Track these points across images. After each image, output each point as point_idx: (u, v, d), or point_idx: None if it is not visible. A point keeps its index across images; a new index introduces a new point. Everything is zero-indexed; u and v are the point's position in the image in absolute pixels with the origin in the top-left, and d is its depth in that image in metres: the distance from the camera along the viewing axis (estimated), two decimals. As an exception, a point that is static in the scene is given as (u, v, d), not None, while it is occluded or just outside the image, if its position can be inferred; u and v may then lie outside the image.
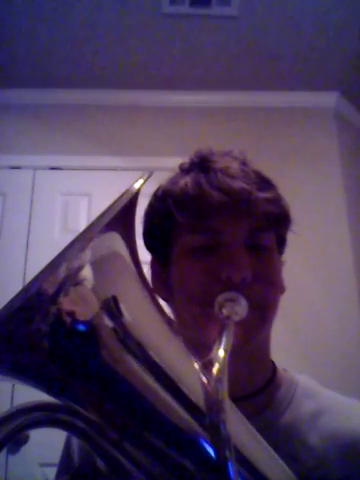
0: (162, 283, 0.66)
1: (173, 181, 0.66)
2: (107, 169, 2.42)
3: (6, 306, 0.35)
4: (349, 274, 2.25)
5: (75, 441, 0.69)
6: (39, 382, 0.40)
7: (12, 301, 0.35)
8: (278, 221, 0.64)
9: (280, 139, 2.50)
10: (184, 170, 0.67)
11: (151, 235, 0.69)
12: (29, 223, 2.29)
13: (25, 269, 2.18)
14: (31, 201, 2.34)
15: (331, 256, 2.26)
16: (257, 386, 0.64)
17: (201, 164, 0.65)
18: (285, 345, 1.91)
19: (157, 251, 0.69)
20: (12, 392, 1.87)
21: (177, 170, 0.69)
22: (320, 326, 2.12)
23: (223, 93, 2.56)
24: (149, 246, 0.70)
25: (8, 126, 2.49)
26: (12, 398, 1.85)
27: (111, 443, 0.42)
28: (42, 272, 0.36)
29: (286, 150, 2.47)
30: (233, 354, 0.43)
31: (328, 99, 2.58)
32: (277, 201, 0.64)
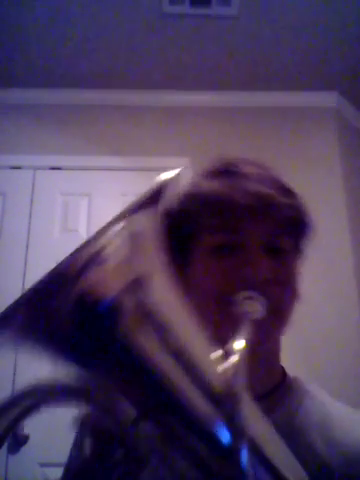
0: (180, 282, 0.67)
1: (197, 184, 0.68)
2: (107, 169, 2.42)
3: (36, 282, 0.36)
4: (349, 274, 2.25)
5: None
6: (60, 357, 0.41)
7: (44, 276, 0.36)
8: (298, 227, 0.66)
9: (280, 139, 2.50)
10: (208, 175, 0.69)
11: (172, 235, 0.68)
12: (29, 223, 2.29)
13: (25, 269, 2.18)
14: (31, 201, 2.34)
15: (331, 256, 2.26)
16: (266, 389, 0.65)
17: (226, 170, 0.67)
18: (284, 345, 1.91)
19: (174, 251, 0.69)
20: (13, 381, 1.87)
21: (196, 175, 0.70)
22: (320, 326, 2.12)
23: (223, 93, 2.56)
24: (169, 246, 0.70)
25: (8, 126, 2.49)
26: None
27: (130, 421, 0.42)
28: (76, 249, 0.36)
29: (286, 150, 2.47)
30: (246, 355, 0.44)
31: (328, 99, 2.58)
32: (299, 208, 0.66)
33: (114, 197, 2.31)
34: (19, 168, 2.42)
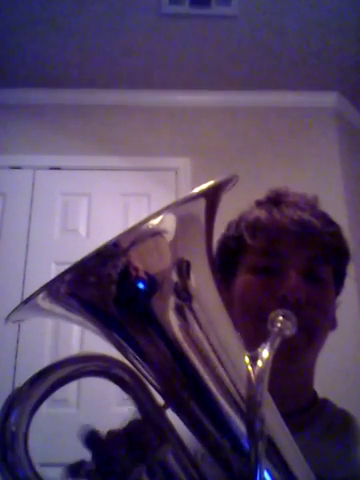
0: (224, 300, 0.71)
1: (248, 212, 0.73)
2: (107, 169, 2.42)
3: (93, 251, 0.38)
4: (349, 274, 2.24)
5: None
6: (102, 323, 0.42)
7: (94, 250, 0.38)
8: (337, 254, 0.71)
9: (280, 139, 2.50)
10: (259, 203, 0.74)
11: (222, 256, 0.75)
12: (29, 223, 2.29)
13: (25, 269, 2.17)
14: (31, 201, 2.34)
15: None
16: (294, 408, 0.67)
17: (275, 198, 0.73)
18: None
19: (223, 270, 0.74)
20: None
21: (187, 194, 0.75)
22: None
23: (223, 93, 2.56)
24: (219, 267, 0.75)
25: (8, 126, 2.49)
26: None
27: (156, 408, 0.44)
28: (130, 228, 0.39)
29: (286, 150, 2.47)
30: (276, 371, 0.45)
31: (328, 99, 2.58)
32: (338, 236, 0.71)
33: (114, 197, 2.31)
34: (19, 168, 2.42)
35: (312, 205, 0.71)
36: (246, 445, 0.39)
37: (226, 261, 0.73)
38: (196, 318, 0.42)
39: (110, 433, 0.42)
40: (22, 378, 0.44)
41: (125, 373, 0.46)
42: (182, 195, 0.43)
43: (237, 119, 2.55)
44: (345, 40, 2.25)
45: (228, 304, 0.68)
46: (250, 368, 0.43)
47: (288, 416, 0.63)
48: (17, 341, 2.05)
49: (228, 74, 2.46)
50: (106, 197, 2.33)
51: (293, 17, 2.14)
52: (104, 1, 2.07)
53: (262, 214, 0.70)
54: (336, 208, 2.44)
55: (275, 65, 2.39)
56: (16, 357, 2.02)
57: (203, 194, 0.42)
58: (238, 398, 0.42)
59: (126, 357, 0.45)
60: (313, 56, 2.34)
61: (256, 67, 2.41)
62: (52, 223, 2.30)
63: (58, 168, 2.43)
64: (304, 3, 2.08)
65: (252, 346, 0.58)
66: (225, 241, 0.75)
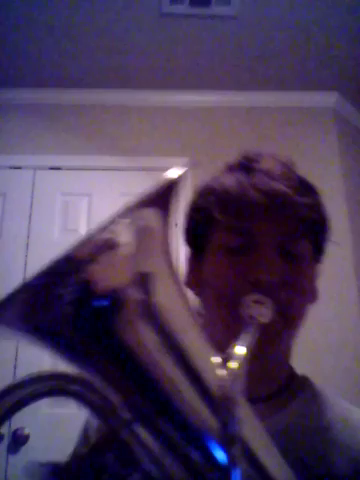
0: (195, 278, 0.66)
1: (216, 179, 0.66)
2: (107, 169, 2.42)
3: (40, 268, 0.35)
4: (349, 274, 2.25)
5: (92, 424, 0.68)
6: (58, 347, 0.40)
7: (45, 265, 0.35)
8: (315, 227, 0.64)
9: (280, 139, 2.50)
10: (229, 169, 0.67)
11: (190, 230, 0.69)
12: (29, 223, 2.29)
13: (25, 269, 2.18)
14: (31, 201, 2.34)
15: (331, 256, 2.26)
16: (273, 390, 0.64)
17: (246, 164, 0.65)
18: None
19: (194, 246, 0.69)
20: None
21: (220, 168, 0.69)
22: (320, 327, 2.12)
23: (223, 93, 2.56)
24: (188, 240, 0.70)
25: (8, 126, 2.49)
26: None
27: (123, 423, 0.42)
28: (80, 241, 0.36)
29: (286, 150, 2.46)
30: (253, 356, 0.43)
31: (327, 99, 2.58)
32: (316, 207, 0.63)
33: (114, 197, 2.31)
34: (19, 168, 2.42)
35: (286, 172, 0.64)
36: (220, 451, 0.37)
37: (194, 236, 0.68)
38: (159, 330, 0.39)
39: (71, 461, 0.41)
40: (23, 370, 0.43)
41: (87, 390, 0.43)
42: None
43: (237, 119, 2.55)
44: (345, 40, 2.25)
45: (201, 284, 0.65)
46: (223, 371, 0.41)
47: (266, 399, 0.62)
48: (17, 341, 2.04)
49: (228, 74, 2.46)
50: (106, 197, 2.33)
51: (293, 17, 2.14)
52: (104, 1, 2.07)
53: (231, 185, 0.62)
54: (336, 208, 2.46)
55: (275, 65, 2.39)
56: (16, 357, 2.02)
57: (142, 204, 0.39)
58: (208, 404, 0.40)
59: (88, 373, 0.42)
60: (313, 56, 2.34)
61: (256, 67, 2.41)
62: (52, 223, 2.30)
63: (58, 168, 2.43)
64: (304, 3, 2.07)
65: (227, 330, 0.58)
66: (192, 214, 0.68)
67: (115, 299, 0.37)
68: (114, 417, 0.43)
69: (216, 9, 2.11)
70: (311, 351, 2.07)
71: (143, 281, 0.39)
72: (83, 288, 0.36)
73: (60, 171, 2.43)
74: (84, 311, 0.37)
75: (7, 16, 2.12)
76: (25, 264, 2.19)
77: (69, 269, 0.35)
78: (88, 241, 0.35)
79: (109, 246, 0.37)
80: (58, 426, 1.86)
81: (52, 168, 2.43)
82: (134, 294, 0.38)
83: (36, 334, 0.39)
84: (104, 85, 2.51)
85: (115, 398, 0.42)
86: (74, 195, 2.37)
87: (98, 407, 0.44)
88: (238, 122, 2.54)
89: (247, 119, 2.55)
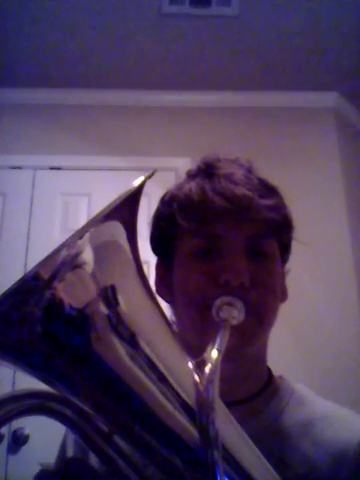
0: (166, 286, 0.67)
1: (179, 186, 0.67)
2: (107, 169, 2.42)
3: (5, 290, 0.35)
4: (349, 274, 2.25)
5: (70, 437, 0.69)
6: (31, 367, 0.39)
7: (11, 286, 0.35)
8: (279, 228, 0.65)
9: (280, 139, 2.50)
10: (190, 176, 0.68)
11: (157, 238, 0.70)
12: (29, 223, 2.29)
13: (25, 269, 2.17)
14: (31, 201, 2.34)
15: (331, 256, 2.26)
16: (252, 391, 0.65)
17: (206, 170, 0.66)
18: (285, 349, 1.91)
19: (162, 254, 0.70)
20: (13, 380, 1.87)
21: (181, 173, 0.70)
22: (320, 329, 2.12)
23: (223, 93, 2.56)
24: (155, 249, 0.71)
25: (8, 126, 2.49)
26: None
27: (101, 436, 0.42)
28: (44, 259, 0.36)
29: (286, 150, 2.47)
30: (228, 358, 0.44)
31: (328, 99, 2.58)
32: (279, 208, 0.64)
33: (114, 197, 2.31)
34: (19, 168, 2.42)
35: (247, 175, 0.64)
36: (200, 456, 0.37)
37: (161, 244, 0.69)
38: (130, 340, 0.39)
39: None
40: (21, 379, 0.43)
41: (64, 406, 0.43)
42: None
43: (237, 119, 2.55)
44: (345, 40, 2.25)
45: (171, 291, 0.65)
46: (197, 376, 0.41)
47: (246, 401, 0.63)
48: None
49: (228, 74, 2.46)
50: (106, 197, 2.31)
51: (293, 17, 2.14)
52: (104, 1, 2.07)
53: (193, 191, 0.63)
54: (336, 208, 2.46)
55: (275, 65, 2.39)
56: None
57: (105, 218, 0.40)
58: (185, 411, 0.40)
59: (64, 390, 0.42)
60: (313, 56, 2.34)
61: (256, 67, 2.41)
62: (52, 223, 2.30)
63: (58, 168, 2.43)
64: (304, 3, 2.07)
65: (200, 335, 0.58)
66: (157, 222, 0.69)
67: (82, 314, 0.37)
68: (93, 432, 0.42)
69: (216, 9, 2.11)
70: (311, 351, 2.07)
71: (109, 294, 0.39)
72: (49, 306, 0.36)
73: (60, 171, 2.43)
74: (52, 328, 0.36)
75: (7, 16, 2.12)
76: (25, 264, 2.19)
77: (35, 287, 0.35)
78: (52, 259, 0.36)
79: (73, 262, 0.37)
80: (58, 426, 1.85)
81: (52, 168, 2.43)
82: (101, 307, 0.38)
83: (7, 354, 0.38)
84: (104, 85, 2.51)
85: (93, 413, 0.42)
86: (74, 195, 2.37)
87: (77, 423, 0.44)
88: (238, 122, 2.54)
89: (247, 119, 2.55)
